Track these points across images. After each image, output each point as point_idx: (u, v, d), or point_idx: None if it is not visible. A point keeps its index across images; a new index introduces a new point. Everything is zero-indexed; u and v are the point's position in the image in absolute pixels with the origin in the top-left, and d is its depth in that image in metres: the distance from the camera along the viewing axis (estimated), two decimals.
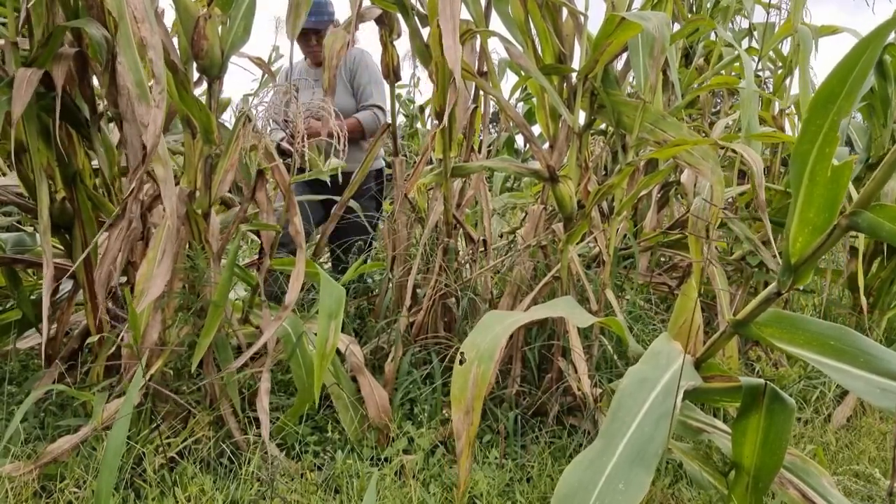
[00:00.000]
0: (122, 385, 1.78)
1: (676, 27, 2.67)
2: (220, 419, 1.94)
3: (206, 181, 1.95)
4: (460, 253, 2.56)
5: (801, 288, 1.13)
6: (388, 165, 2.88)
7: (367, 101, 3.18)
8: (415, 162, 2.68)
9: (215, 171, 1.95)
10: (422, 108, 6.52)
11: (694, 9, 3.44)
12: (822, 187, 0.98)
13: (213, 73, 1.89)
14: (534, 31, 2.25)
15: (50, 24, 1.84)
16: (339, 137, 1.99)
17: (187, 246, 1.98)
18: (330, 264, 3.29)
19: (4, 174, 2.69)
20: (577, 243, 2.20)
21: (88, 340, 2.08)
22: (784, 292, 1.12)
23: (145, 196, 2.00)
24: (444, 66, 2.13)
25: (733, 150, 2.05)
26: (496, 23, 2.35)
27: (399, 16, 2.33)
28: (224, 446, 1.89)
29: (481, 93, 2.65)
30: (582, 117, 2.19)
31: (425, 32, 2.31)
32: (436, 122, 2.31)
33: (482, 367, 1.15)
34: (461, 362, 1.16)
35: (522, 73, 3.30)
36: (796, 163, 0.98)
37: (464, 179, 2.58)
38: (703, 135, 2.97)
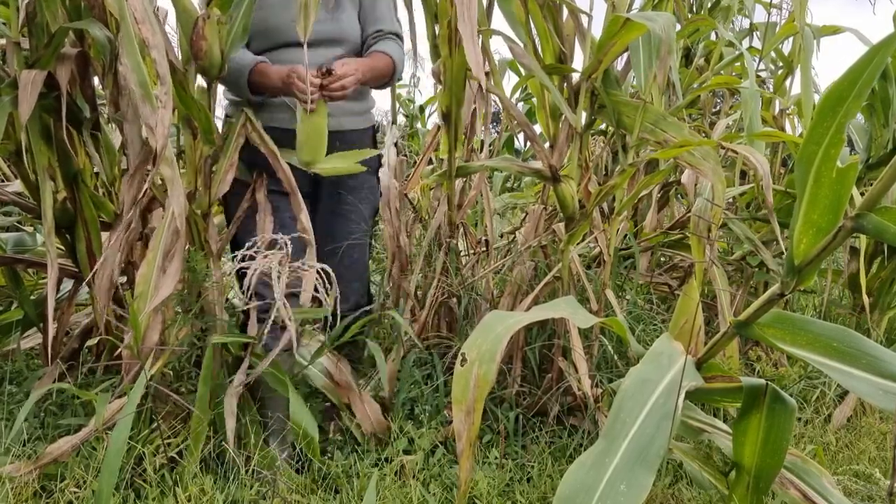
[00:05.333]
0: (122, 386, 1.78)
1: (677, 27, 2.67)
2: (221, 419, 1.94)
3: (206, 181, 1.94)
4: (461, 253, 2.56)
5: (803, 288, 1.13)
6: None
7: (382, 26, 2.16)
8: (415, 162, 2.69)
9: (215, 171, 1.94)
10: (422, 108, 6.52)
11: (694, 9, 3.44)
12: (827, 189, 0.98)
13: (213, 74, 1.88)
14: (534, 31, 2.25)
15: (52, 25, 1.84)
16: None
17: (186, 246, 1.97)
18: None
19: (8, 179, 2.69)
20: (578, 243, 2.20)
21: (88, 343, 2.08)
22: (788, 293, 1.12)
23: (144, 196, 2.00)
24: (452, 66, 2.13)
25: (734, 151, 2.05)
26: (496, 23, 2.35)
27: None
28: (225, 446, 1.89)
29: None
30: (582, 117, 2.19)
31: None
32: (440, 121, 2.31)
33: (484, 367, 1.15)
34: (462, 363, 1.16)
35: (523, 73, 3.30)
36: (802, 164, 0.98)
37: (465, 180, 2.58)
38: (704, 135, 2.97)
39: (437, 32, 2.15)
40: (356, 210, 2.18)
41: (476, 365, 1.16)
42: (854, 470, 1.93)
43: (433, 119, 6.32)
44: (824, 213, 1.02)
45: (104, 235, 2.09)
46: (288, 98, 2.03)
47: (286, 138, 1.99)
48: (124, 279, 2.10)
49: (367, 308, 2.23)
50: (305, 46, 1.70)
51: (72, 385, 1.87)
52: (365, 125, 2.21)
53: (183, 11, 1.83)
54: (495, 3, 2.28)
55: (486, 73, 2.40)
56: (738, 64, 3.11)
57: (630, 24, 1.89)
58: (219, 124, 2.03)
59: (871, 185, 3.10)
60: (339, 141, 2.04)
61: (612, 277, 2.28)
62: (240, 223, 2.07)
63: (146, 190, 1.86)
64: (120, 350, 1.79)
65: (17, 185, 2.21)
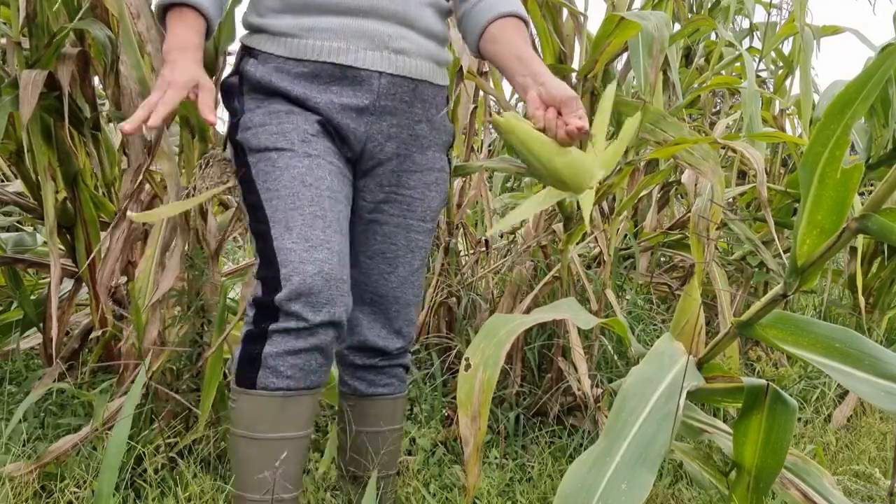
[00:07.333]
0: (126, 386, 1.78)
1: (677, 27, 2.67)
2: (220, 419, 1.94)
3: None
4: (461, 253, 2.56)
5: (805, 289, 1.13)
6: None
7: None
8: None
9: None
10: None
11: (694, 9, 3.44)
12: (832, 190, 0.98)
13: (208, 72, 1.85)
14: (534, 31, 2.25)
15: (54, 24, 1.83)
16: None
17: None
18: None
19: (8, 179, 2.69)
20: (578, 243, 2.20)
21: (92, 334, 2.07)
22: (790, 294, 1.12)
23: (145, 195, 1.99)
24: (455, 61, 2.12)
25: (733, 151, 2.06)
26: None
27: None
28: (225, 445, 1.89)
29: (481, 92, 2.65)
30: None
31: None
32: None
33: (488, 372, 1.14)
34: (466, 368, 1.16)
35: None
36: (807, 165, 0.98)
37: (464, 179, 2.58)
38: (704, 135, 2.97)
39: None
40: (421, 202, 1.52)
41: (480, 370, 1.15)
42: (854, 470, 1.94)
43: None
44: (828, 214, 1.01)
45: (104, 235, 2.09)
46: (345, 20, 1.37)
47: (338, 75, 1.38)
48: (124, 280, 2.10)
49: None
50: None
51: (71, 385, 1.86)
52: (444, 82, 1.53)
53: None
54: None
55: (485, 73, 2.40)
56: (738, 64, 3.12)
57: (625, 23, 1.89)
58: None
59: (871, 185, 3.09)
60: (409, 93, 1.44)
61: (612, 277, 2.28)
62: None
63: (146, 186, 1.84)
64: (118, 347, 1.79)
65: (17, 185, 2.21)
